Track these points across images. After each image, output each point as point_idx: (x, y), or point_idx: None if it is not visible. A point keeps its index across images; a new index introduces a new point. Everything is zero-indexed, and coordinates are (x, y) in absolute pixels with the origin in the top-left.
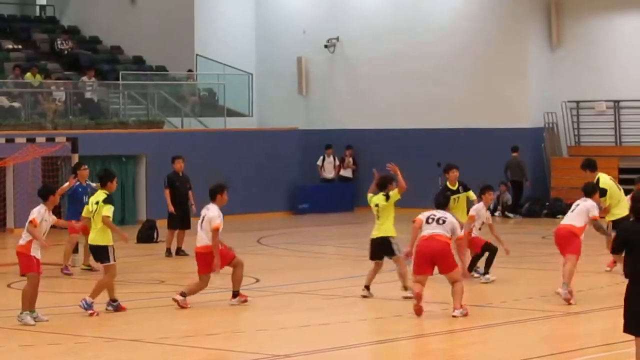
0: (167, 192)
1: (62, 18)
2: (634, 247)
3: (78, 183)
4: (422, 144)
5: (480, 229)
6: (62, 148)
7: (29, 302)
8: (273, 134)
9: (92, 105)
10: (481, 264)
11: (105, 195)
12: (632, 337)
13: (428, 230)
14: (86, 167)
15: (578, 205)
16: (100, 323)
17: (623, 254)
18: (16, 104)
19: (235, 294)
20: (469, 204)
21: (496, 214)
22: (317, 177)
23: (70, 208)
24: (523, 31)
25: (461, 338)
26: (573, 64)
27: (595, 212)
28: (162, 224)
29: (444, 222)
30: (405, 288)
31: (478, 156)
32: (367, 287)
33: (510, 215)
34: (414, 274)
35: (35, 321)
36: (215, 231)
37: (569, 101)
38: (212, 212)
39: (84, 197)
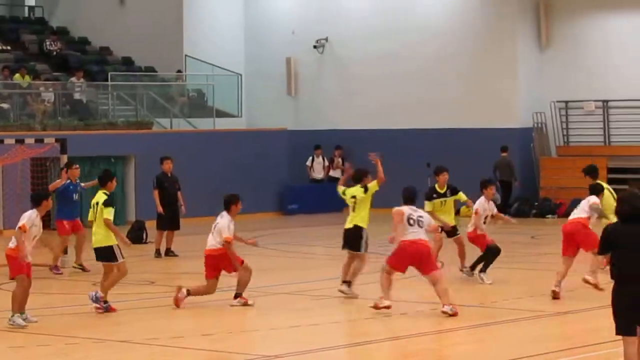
0: (155, 193)
1: (51, 19)
2: (619, 248)
3: (69, 181)
4: (411, 144)
5: (485, 222)
6: (51, 149)
7: (18, 304)
8: (262, 134)
9: (81, 106)
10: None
11: (105, 197)
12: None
13: (412, 235)
14: (77, 166)
15: (582, 202)
16: (90, 324)
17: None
18: (5, 105)
19: (237, 295)
20: (456, 205)
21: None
22: (307, 177)
23: (60, 206)
24: (512, 31)
25: (451, 338)
26: (562, 64)
27: (596, 200)
28: (151, 225)
29: (421, 222)
30: (350, 284)
31: (467, 156)
32: (346, 282)
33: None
34: (389, 265)
35: (25, 322)
36: (227, 244)
37: (557, 101)
38: (222, 224)
39: (74, 195)
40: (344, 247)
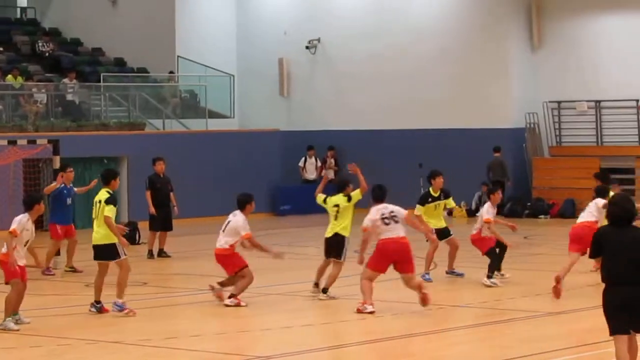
0: (148, 194)
1: (43, 20)
2: (609, 251)
3: (63, 185)
4: (404, 144)
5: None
6: (43, 150)
7: (12, 307)
8: (254, 135)
9: (74, 107)
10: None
11: (108, 195)
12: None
13: (389, 233)
14: (72, 169)
15: (589, 205)
16: (82, 325)
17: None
18: None
19: (232, 296)
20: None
21: (478, 214)
22: (299, 178)
23: (54, 210)
24: (504, 32)
25: (446, 338)
26: (554, 65)
27: (605, 202)
28: (144, 226)
29: (396, 218)
30: (326, 290)
31: (460, 157)
32: (317, 285)
33: None
34: (371, 269)
35: (17, 324)
36: (248, 239)
37: (550, 101)
38: (238, 222)
39: (68, 199)
40: (328, 256)
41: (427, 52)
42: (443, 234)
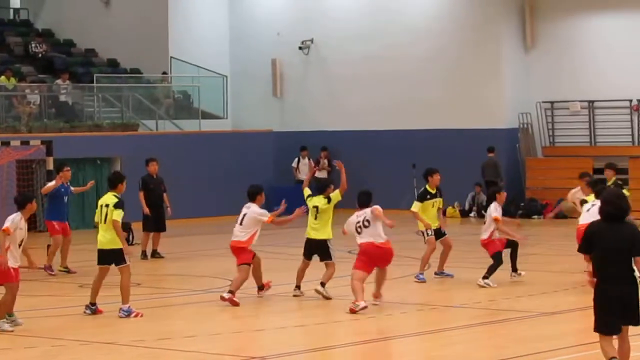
0: (141, 195)
1: (36, 21)
2: (599, 248)
3: (60, 183)
4: (397, 145)
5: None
6: (36, 151)
7: (6, 308)
8: (248, 136)
9: (67, 108)
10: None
11: (116, 199)
12: None
13: (364, 239)
14: (69, 168)
15: (594, 205)
16: (76, 326)
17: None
18: None
19: (230, 292)
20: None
21: (471, 214)
22: (292, 179)
23: (50, 207)
24: (497, 32)
25: (441, 338)
26: (547, 65)
27: None
28: (137, 227)
29: (367, 223)
30: (323, 285)
31: (453, 157)
32: (299, 287)
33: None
34: (359, 269)
35: (12, 325)
36: (272, 222)
37: (543, 102)
38: (255, 212)
39: (65, 197)
40: (308, 257)
41: (421, 53)
42: (437, 234)
